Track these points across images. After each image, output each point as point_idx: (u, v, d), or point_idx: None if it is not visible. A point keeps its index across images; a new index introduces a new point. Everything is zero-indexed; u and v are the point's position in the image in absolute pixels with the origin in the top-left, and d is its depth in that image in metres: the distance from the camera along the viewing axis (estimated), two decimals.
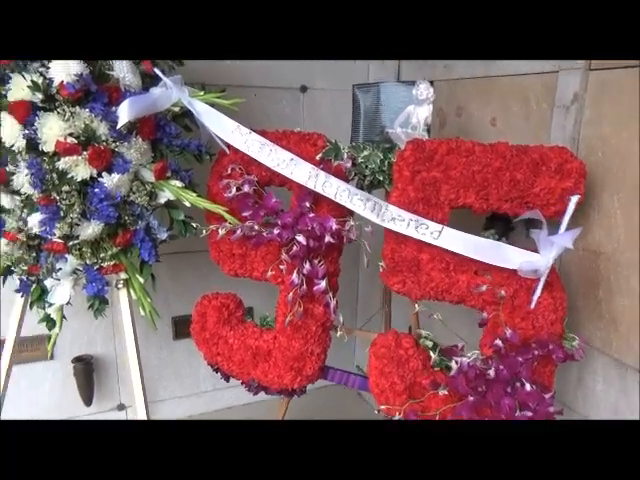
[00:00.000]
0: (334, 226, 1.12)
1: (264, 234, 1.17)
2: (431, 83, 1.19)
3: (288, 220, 1.19)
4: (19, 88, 1.11)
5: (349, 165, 1.15)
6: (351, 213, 1.20)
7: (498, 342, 1.02)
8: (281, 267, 1.18)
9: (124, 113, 1.14)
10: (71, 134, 1.13)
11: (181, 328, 1.89)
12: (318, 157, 1.20)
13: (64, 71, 1.10)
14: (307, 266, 1.17)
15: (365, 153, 1.18)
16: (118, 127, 1.14)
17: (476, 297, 1.08)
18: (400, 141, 1.21)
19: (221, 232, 1.18)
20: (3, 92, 1.12)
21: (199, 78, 1.32)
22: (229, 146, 1.28)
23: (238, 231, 1.18)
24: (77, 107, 1.12)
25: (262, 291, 1.53)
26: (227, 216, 1.22)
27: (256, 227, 1.19)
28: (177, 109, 1.23)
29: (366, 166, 1.19)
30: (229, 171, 1.28)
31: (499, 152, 1.05)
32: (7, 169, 1.12)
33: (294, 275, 1.17)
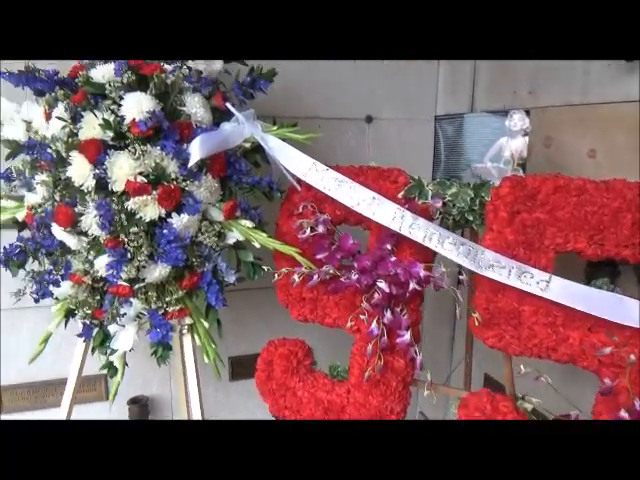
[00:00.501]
0: (422, 273, 1.00)
1: (342, 279, 1.07)
2: (527, 113, 1.07)
3: (366, 263, 1.08)
4: (90, 126, 1.08)
5: (439, 205, 1.04)
6: (435, 255, 1.09)
7: (624, 414, 0.86)
8: (361, 317, 1.07)
9: (196, 151, 1.08)
10: (141, 173, 1.08)
11: (238, 369, 1.81)
12: (401, 195, 1.09)
13: (136, 108, 1.06)
14: (388, 315, 1.06)
15: (453, 190, 1.07)
16: (189, 165, 1.08)
17: (591, 357, 0.93)
18: (491, 177, 1.10)
19: (296, 279, 1.09)
20: (75, 130, 1.09)
21: (260, 110, 1.26)
22: (300, 182, 1.20)
23: (315, 277, 1.08)
24: (148, 145, 1.07)
25: (323, 329, 1.43)
26: (300, 259, 1.13)
27: (331, 271, 1.09)
28: (248, 145, 1.17)
29: (453, 205, 1.08)
30: (300, 209, 1.19)
31: (617, 190, 0.92)
32: (76, 210, 1.08)
33: (374, 325, 1.06)
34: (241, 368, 1.79)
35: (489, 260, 0.96)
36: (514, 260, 0.96)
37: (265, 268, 1.15)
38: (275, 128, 1.15)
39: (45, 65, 1.16)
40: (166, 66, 1.13)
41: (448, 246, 0.99)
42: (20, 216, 1.18)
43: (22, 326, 1.49)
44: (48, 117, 1.16)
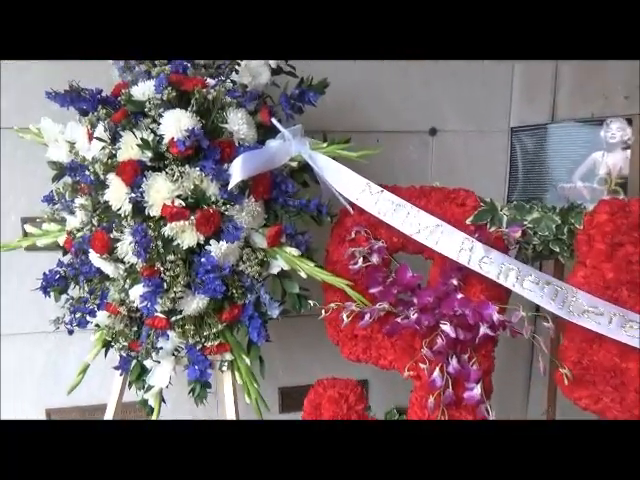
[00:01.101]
0: (495, 316, 0.84)
1: (399, 320, 0.92)
2: (628, 122, 0.88)
3: (428, 300, 0.93)
4: (129, 147, 1.01)
5: (517, 234, 0.87)
6: (510, 292, 0.91)
7: None
8: (422, 366, 0.91)
9: (237, 171, 0.98)
10: (179, 196, 0.99)
11: (288, 401, 1.69)
12: (469, 221, 0.93)
13: (174, 126, 0.98)
14: (454, 363, 0.90)
15: (534, 216, 0.90)
16: (230, 187, 0.98)
17: None
18: (582, 199, 0.91)
19: (345, 319, 0.96)
20: (114, 152, 1.03)
21: (310, 125, 1.14)
22: (353, 205, 1.07)
23: (367, 317, 0.94)
24: (187, 166, 0.99)
25: None
26: (351, 292, 0.99)
27: (386, 308, 0.95)
28: (295, 164, 1.06)
29: (534, 232, 0.90)
30: (353, 235, 1.06)
31: None
32: (112, 236, 1.01)
33: (436, 374, 0.90)
34: (291, 400, 1.67)
35: (583, 305, 0.78)
36: (615, 305, 0.77)
37: (312, 303, 1.02)
38: (325, 145, 1.03)
39: (89, 82, 1.12)
40: (209, 80, 1.05)
41: (529, 285, 0.81)
42: (61, 240, 1.14)
43: (69, 349, 1.46)
44: (90, 138, 1.11)
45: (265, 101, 1.11)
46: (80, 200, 1.08)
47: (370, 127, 1.54)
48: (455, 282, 0.91)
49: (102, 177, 1.03)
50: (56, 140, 1.15)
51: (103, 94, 1.11)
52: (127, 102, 1.04)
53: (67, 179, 1.15)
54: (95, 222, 1.03)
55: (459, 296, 0.90)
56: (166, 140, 0.99)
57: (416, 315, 0.91)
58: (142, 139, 0.99)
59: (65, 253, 1.17)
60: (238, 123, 1.02)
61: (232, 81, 1.06)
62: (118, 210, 1.01)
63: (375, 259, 0.98)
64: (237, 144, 1.03)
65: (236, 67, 1.05)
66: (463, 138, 1.61)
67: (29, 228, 1.17)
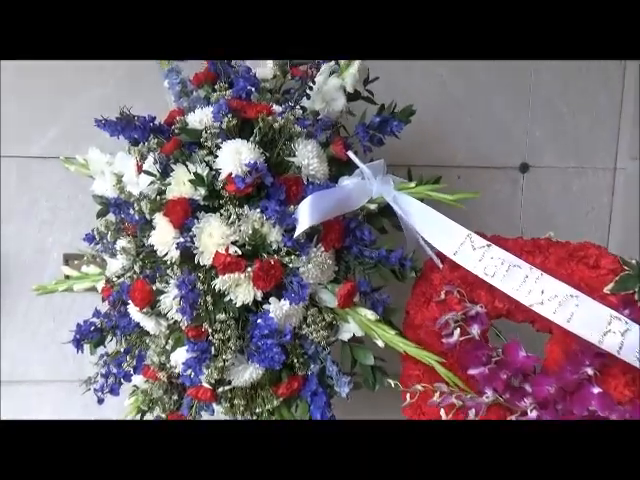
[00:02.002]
0: None
1: (512, 417, 0.70)
2: None
3: (548, 391, 0.70)
4: (180, 182, 0.86)
5: None
6: None
7: None
8: None
9: (306, 215, 0.80)
10: (235, 242, 0.83)
11: None
12: (608, 289, 0.71)
13: (233, 159, 0.82)
14: None
15: None
16: (296, 235, 0.81)
17: None
18: None
19: (444, 415, 0.74)
20: (163, 187, 0.88)
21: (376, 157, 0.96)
22: (443, 257, 0.87)
23: (471, 412, 0.72)
24: (245, 207, 0.83)
25: None
26: (444, 372, 0.78)
27: (495, 398, 0.73)
28: (374, 206, 0.87)
29: None
30: (442, 296, 0.85)
31: None
32: (154, 287, 0.85)
33: None
34: None
35: None
36: None
37: (392, 383, 0.82)
38: (413, 185, 0.84)
39: (143, 108, 0.99)
40: (275, 107, 0.90)
41: None
42: (100, 286, 1.00)
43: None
44: (140, 170, 0.98)
45: (338, 131, 0.94)
46: (122, 242, 0.94)
47: (449, 161, 1.35)
48: (590, 371, 0.68)
49: (148, 216, 0.88)
50: (102, 172, 1.03)
51: (156, 122, 0.99)
52: (181, 131, 0.90)
53: (111, 216, 1.01)
54: (137, 269, 0.89)
55: (596, 390, 0.67)
56: (223, 175, 0.83)
57: (534, 412, 0.69)
58: (195, 173, 0.84)
59: (104, 300, 1.03)
60: (308, 156, 0.85)
61: (302, 107, 0.90)
62: (164, 256, 0.86)
63: (476, 330, 0.77)
64: (306, 181, 0.86)
65: (307, 91, 0.89)
66: (560, 176, 1.38)
67: (67, 270, 1.04)
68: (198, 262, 0.84)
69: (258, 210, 0.83)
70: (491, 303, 0.82)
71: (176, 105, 1.02)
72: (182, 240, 0.82)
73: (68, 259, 1.26)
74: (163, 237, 0.85)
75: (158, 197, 0.89)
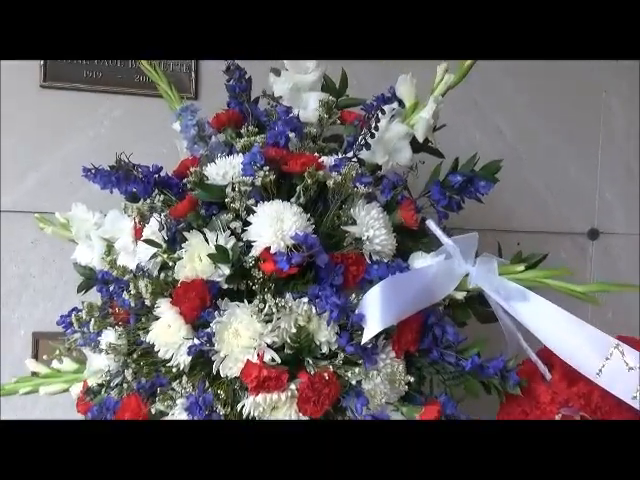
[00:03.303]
0: None
1: None
2: None
3: None
4: (194, 256, 0.62)
5: None
6: None
7: None
8: None
9: (376, 310, 0.57)
10: (271, 345, 0.59)
11: None
12: None
13: (274, 228, 0.59)
14: None
15: None
16: (365, 340, 0.56)
17: None
18: None
19: None
20: (171, 262, 0.64)
21: None
22: (552, 366, 0.64)
23: None
24: (287, 295, 0.59)
25: None
26: None
27: None
28: (461, 295, 0.64)
29: None
30: (557, 418, 0.61)
31: None
32: (153, 408, 0.60)
33: None
34: None
35: None
36: None
37: None
38: (520, 269, 0.61)
39: (143, 155, 0.77)
40: (324, 158, 0.68)
41: None
42: (75, 391, 0.74)
43: None
44: (139, 237, 0.75)
45: (405, 191, 0.72)
46: (109, 335, 0.68)
47: (506, 225, 1.14)
48: None
49: (148, 302, 0.64)
50: (88, 236, 0.79)
51: (162, 174, 0.76)
52: (198, 187, 0.67)
53: (97, 294, 0.77)
54: (129, 376, 0.63)
55: None
56: (257, 250, 0.60)
57: None
58: (218, 246, 0.61)
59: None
60: (373, 226, 0.63)
61: (359, 160, 0.68)
62: (167, 362, 0.61)
63: None
64: (369, 259, 0.63)
65: (368, 140, 0.67)
66: (633, 243, 1.17)
67: (33, 365, 0.78)
68: (217, 372, 0.59)
69: (305, 299, 0.59)
70: None
71: (189, 153, 0.80)
72: (197, 342, 0.58)
73: (39, 339, 1.00)
74: (168, 335, 0.60)
75: (163, 275, 0.65)
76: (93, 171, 0.79)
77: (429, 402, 0.60)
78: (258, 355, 0.57)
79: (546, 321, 0.57)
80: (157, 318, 0.63)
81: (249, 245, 0.62)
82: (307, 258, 0.57)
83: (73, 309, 0.80)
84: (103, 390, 0.67)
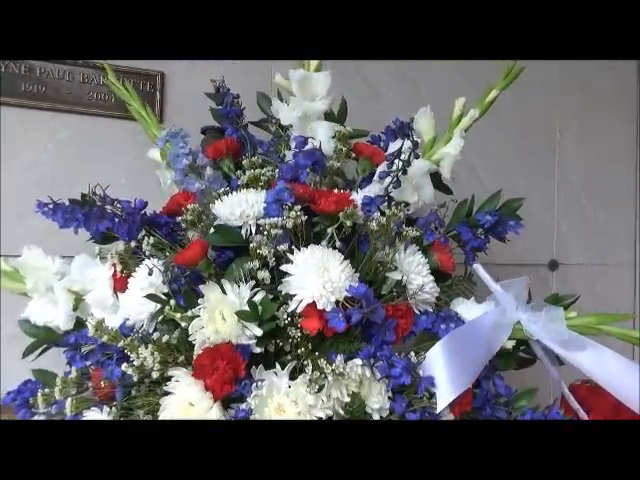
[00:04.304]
0: None
1: None
2: None
3: None
4: (215, 315, 0.51)
5: None
6: None
7: None
8: None
9: (443, 374, 0.50)
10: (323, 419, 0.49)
11: None
12: None
13: (320, 281, 0.50)
14: None
15: None
16: (439, 409, 0.49)
17: None
18: None
19: None
20: (185, 323, 0.52)
21: None
22: (589, 410, 0.62)
23: None
24: (338, 358, 0.50)
25: None
26: None
27: None
28: (511, 344, 0.60)
29: None
30: None
31: None
32: None
33: None
34: None
35: None
36: None
37: None
38: (573, 315, 0.58)
39: (119, 190, 0.64)
40: (355, 196, 0.61)
41: None
42: None
43: None
44: (120, 286, 0.61)
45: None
46: (95, 416, 0.54)
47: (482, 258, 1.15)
48: None
49: (155, 374, 0.51)
50: (49, 288, 0.63)
51: (149, 211, 0.64)
52: (214, 229, 0.56)
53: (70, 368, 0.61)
54: None
55: None
56: (300, 306, 0.51)
57: None
58: (250, 302, 0.51)
59: None
60: (421, 272, 0.56)
61: (389, 196, 0.62)
62: None
63: None
64: (418, 311, 0.56)
65: (399, 176, 0.61)
66: (588, 273, 1.24)
67: None
68: None
69: (358, 361, 0.51)
70: None
71: (176, 187, 0.68)
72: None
73: None
74: (191, 416, 0.48)
75: (166, 338, 0.53)
76: (51, 206, 0.65)
77: None
78: None
79: (607, 368, 0.55)
80: (165, 394, 0.51)
81: (285, 301, 0.52)
82: (368, 314, 0.49)
83: (26, 382, 0.63)
84: None
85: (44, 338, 0.64)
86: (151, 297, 0.54)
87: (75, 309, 0.63)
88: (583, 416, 0.62)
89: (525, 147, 1.18)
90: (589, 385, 0.66)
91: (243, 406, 0.48)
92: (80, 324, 0.63)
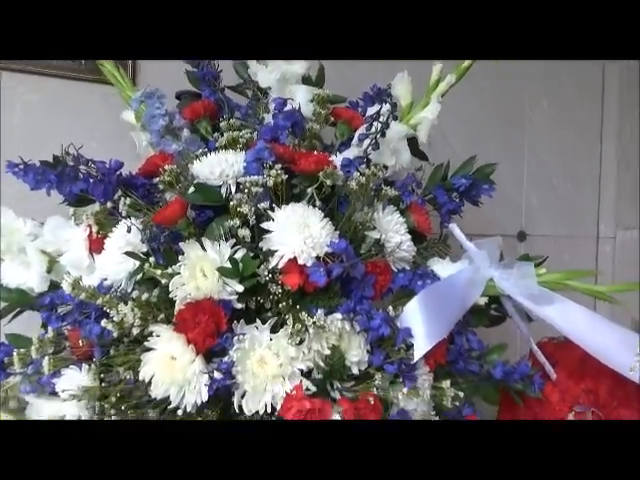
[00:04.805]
0: None
1: None
2: None
3: None
4: (196, 272, 0.51)
5: None
6: None
7: None
8: None
9: (420, 327, 0.52)
10: (305, 372, 0.50)
11: None
12: None
13: (301, 237, 0.51)
14: None
15: None
16: (416, 359, 0.51)
17: None
18: None
19: None
20: (164, 279, 0.52)
21: None
22: (555, 364, 0.65)
23: None
24: (318, 312, 0.51)
25: None
26: None
27: None
28: (483, 300, 0.62)
29: None
30: (571, 418, 0.63)
31: None
32: None
33: None
34: None
35: None
36: None
37: None
38: (544, 271, 0.61)
39: (90, 154, 0.63)
40: (334, 157, 0.61)
41: None
42: None
43: None
44: (96, 247, 0.60)
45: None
46: (72, 377, 0.53)
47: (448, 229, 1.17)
48: None
49: (136, 330, 0.51)
50: (21, 250, 0.62)
51: (124, 171, 0.63)
52: (194, 187, 0.56)
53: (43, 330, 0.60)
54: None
55: None
56: (282, 262, 0.51)
57: None
58: (232, 259, 0.51)
59: None
60: (399, 231, 0.58)
61: (368, 160, 0.63)
62: (159, 403, 0.49)
63: None
64: (395, 269, 0.58)
65: (378, 138, 0.62)
66: (554, 244, 1.29)
67: None
68: (238, 408, 0.49)
69: (338, 316, 0.52)
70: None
71: (155, 149, 0.67)
72: (219, 376, 0.47)
73: None
74: (174, 369, 0.49)
75: (145, 296, 0.53)
76: (22, 167, 0.63)
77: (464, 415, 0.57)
78: (296, 387, 0.49)
79: (575, 322, 0.58)
80: (146, 350, 0.51)
81: (265, 257, 0.53)
82: (348, 268, 0.50)
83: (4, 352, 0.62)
84: None
85: (17, 301, 0.63)
86: (130, 255, 0.54)
87: (49, 271, 0.62)
88: (550, 370, 0.65)
89: (497, 120, 1.21)
90: (555, 342, 0.69)
91: (225, 359, 0.49)
92: (54, 287, 0.62)
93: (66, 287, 0.53)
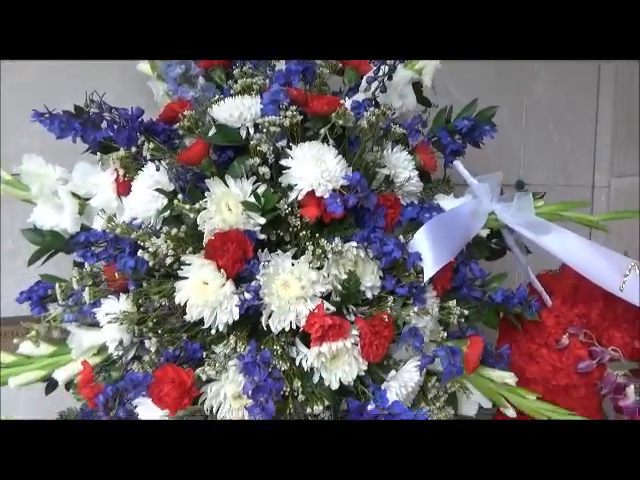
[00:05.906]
0: None
1: None
2: None
3: None
4: (221, 207, 0.56)
5: None
6: None
7: None
8: None
9: (427, 250, 0.57)
10: (325, 294, 0.55)
11: None
12: None
13: (318, 171, 0.55)
14: None
15: None
16: (426, 279, 0.56)
17: None
18: None
19: None
20: (192, 214, 0.56)
21: None
22: (551, 293, 0.71)
23: None
24: (335, 240, 0.56)
25: None
26: None
27: None
28: (485, 232, 0.67)
29: None
30: (565, 340, 0.69)
31: None
32: (203, 374, 0.53)
33: None
34: None
35: None
36: None
37: None
38: (540, 204, 0.66)
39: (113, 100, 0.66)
40: (345, 101, 0.65)
41: None
42: (61, 376, 0.62)
43: None
44: (123, 190, 0.64)
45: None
46: (112, 305, 0.58)
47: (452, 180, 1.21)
48: None
49: (169, 260, 0.55)
50: (53, 194, 0.66)
51: (145, 118, 0.66)
52: (215, 128, 0.60)
53: (78, 267, 0.64)
54: (152, 347, 0.55)
55: None
56: (301, 194, 0.56)
57: None
58: (255, 194, 0.55)
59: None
60: (407, 167, 0.62)
61: (376, 103, 0.66)
62: (191, 326, 0.54)
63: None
64: (404, 203, 0.62)
65: (386, 82, 0.65)
66: (551, 193, 1.33)
67: None
68: (264, 328, 0.55)
69: (353, 243, 0.57)
70: (629, 345, 0.67)
71: (172, 97, 0.70)
72: (248, 297, 0.52)
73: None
74: (207, 293, 0.53)
75: (175, 230, 0.57)
76: (47, 116, 0.66)
77: (473, 336, 0.63)
78: (318, 307, 0.54)
79: (571, 248, 0.63)
80: (174, 277, 0.56)
81: (287, 190, 0.57)
82: (361, 199, 0.55)
83: (37, 283, 0.67)
84: (113, 371, 0.58)
85: (50, 244, 0.68)
86: (160, 191, 0.58)
87: (80, 213, 0.66)
88: (546, 298, 0.71)
89: (499, 74, 1.23)
90: (551, 273, 0.74)
91: (253, 283, 0.54)
92: (85, 229, 0.67)
93: (102, 224, 0.58)
